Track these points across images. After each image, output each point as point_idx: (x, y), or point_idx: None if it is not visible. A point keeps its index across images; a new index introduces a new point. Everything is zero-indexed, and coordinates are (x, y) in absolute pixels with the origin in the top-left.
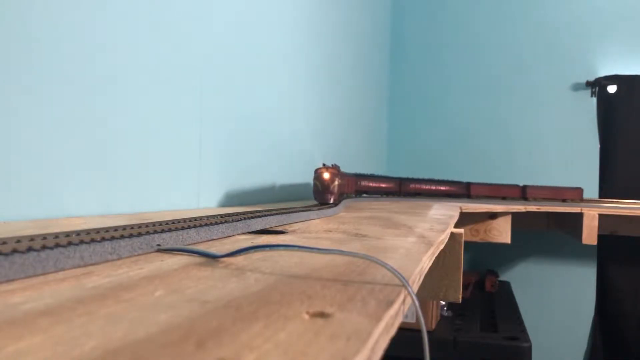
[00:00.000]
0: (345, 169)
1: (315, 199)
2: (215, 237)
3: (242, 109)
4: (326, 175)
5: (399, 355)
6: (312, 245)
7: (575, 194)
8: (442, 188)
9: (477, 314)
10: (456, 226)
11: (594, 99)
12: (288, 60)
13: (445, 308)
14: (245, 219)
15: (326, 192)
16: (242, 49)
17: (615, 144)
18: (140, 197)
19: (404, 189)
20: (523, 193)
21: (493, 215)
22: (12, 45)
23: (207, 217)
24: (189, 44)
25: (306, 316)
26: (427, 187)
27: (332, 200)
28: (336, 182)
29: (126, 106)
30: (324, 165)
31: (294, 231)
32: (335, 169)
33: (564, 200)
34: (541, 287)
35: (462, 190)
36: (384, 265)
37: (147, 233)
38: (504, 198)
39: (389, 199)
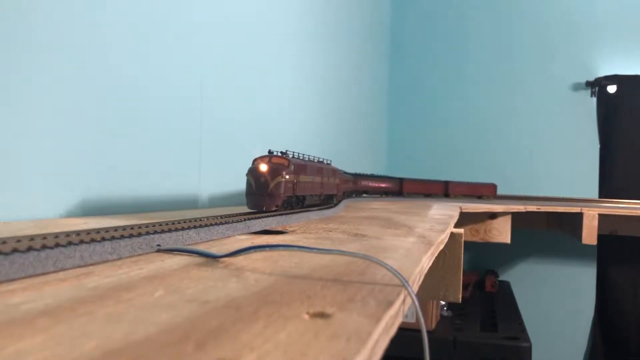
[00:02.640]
0: (347, 169)
1: (248, 204)
2: (215, 238)
3: (241, 110)
4: (263, 168)
5: (399, 355)
6: (312, 245)
7: (489, 190)
8: (383, 185)
9: (477, 314)
10: (456, 226)
11: (594, 99)
12: (289, 65)
13: (445, 308)
14: (245, 219)
15: (262, 195)
16: (243, 51)
17: (615, 144)
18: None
19: (357, 186)
20: (446, 189)
21: (493, 215)
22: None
23: (207, 217)
24: (190, 47)
25: (306, 316)
26: (372, 184)
27: (273, 207)
28: (282, 179)
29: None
30: (269, 152)
31: (294, 231)
32: (283, 159)
33: (479, 197)
34: (541, 287)
35: (397, 187)
36: (384, 265)
37: (147, 233)
38: (427, 195)
39: (384, 199)
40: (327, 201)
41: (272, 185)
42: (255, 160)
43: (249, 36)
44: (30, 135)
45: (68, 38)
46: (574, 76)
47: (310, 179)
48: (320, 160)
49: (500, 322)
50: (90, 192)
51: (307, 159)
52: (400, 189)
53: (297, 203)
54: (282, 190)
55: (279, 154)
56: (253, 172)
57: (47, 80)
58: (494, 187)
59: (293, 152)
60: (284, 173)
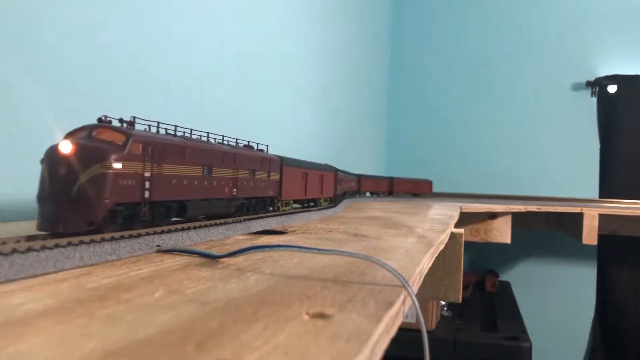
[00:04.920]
0: (349, 169)
1: (37, 221)
2: (215, 238)
3: (243, 110)
4: (65, 148)
5: (399, 355)
6: (312, 246)
7: (426, 187)
8: (350, 184)
9: (477, 314)
10: (456, 226)
11: (594, 99)
12: (293, 67)
13: (445, 308)
14: (245, 220)
15: (60, 202)
16: (246, 52)
17: (615, 144)
18: None
19: None
20: (391, 186)
21: (493, 215)
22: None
23: (207, 218)
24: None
25: (306, 317)
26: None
27: (84, 227)
28: (107, 171)
29: None
30: (101, 120)
31: (294, 231)
32: (115, 133)
33: (416, 195)
34: (541, 287)
35: (357, 185)
36: (384, 265)
37: (147, 234)
38: (372, 193)
39: (382, 199)
40: (256, 208)
41: (82, 180)
42: (67, 135)
43: (253, 37)
44: None
45: None
46: (574, 76)
47: (201, 171)
48: (248, 144)
49: (500, 322)
50: None
51: (194, 136)
52: (359, 186)
53: (160, 216)
54: (105, 191)
55: (119, 125)
56: (49, 157)
57: None
58: (429, 183)
59: (159, 124)
60: (112, 158)
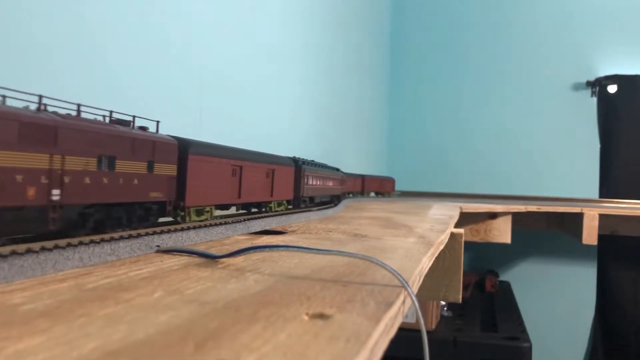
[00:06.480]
0: (352, 170)
1: None
2: (214, 238)
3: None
4: None
5: (399, 355)
6: (312, 246)
7: (389, 185)
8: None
9: (477, 314)
10: (456, 226)
11: (594, 99)
12: (294, 70)
13: (445, 308)
14: (245, 220)
15: None
16: (248, 55)
17: (615, 144)
18: None
19: None
20: (362, 183)
21: (493, 215)
22: None
23: (206, 218)
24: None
25: (306, 317)
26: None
27: None
28: None
29: None
30: None
31: (294, 231)
32: None
33: (380, 194)
34: (541, 287)
35: (343, 184)
36: (383, 266)
37: (147, 234)
38: (349, 193)
39: (384, 199)
40: (122, 221)
41: None
42: None
43: (255, 40)
44: None
45: None
46: (574, 76)
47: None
48: (110, 115)
49: (500, 322)
50: None
51: None
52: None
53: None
54: None
55: None
56: None
57: None
58: (392, 181)
59: None
60: None
